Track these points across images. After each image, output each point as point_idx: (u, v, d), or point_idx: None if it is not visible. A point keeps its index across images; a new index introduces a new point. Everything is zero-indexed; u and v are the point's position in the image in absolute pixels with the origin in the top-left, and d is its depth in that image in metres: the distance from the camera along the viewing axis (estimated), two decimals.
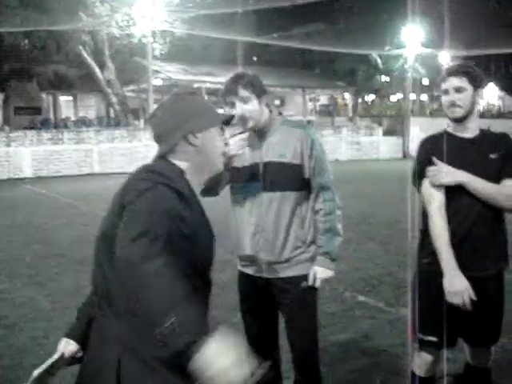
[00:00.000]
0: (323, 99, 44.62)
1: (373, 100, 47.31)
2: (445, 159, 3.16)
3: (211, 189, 3.27)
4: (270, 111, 3.44)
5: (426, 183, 3.22)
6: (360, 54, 36.03)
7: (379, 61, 37.74)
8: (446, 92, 3.18)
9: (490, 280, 3.25)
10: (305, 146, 3.34)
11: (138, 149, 26.70)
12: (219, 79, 34.11)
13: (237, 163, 3.37)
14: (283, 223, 3.32)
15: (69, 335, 2.29)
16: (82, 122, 32.59)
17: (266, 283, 3.41)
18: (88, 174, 24.87)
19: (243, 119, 3.31)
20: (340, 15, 41.24)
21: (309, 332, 3.45)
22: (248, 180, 3.36)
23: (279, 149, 3.32)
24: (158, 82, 32.22)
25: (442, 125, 3.37)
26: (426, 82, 41.66)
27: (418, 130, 35.68)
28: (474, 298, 3.06)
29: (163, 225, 1.85)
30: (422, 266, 3.30)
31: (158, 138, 2.21)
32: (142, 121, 31.38)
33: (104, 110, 36.76)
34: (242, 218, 3.45)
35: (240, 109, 3.29)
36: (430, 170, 3.17)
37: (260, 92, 3.34)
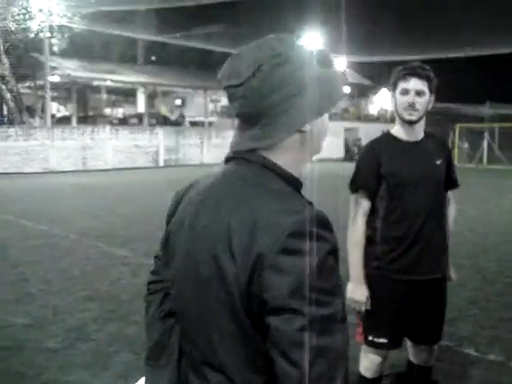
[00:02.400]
0: (224, 100, 44.67)
1: None
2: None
3: None
4: None
5: (359, 191, 3.26)
6: None
7: None
8: (406, 92, 3.12)
9: (437, 283, 3.36)
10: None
11: (33, 148, 25.68)
12: (119, 77, 33.50)
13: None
14: None
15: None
16: None
17: None
18: None
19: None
20: (242, 18, 41.46)
21: None
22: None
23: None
24: (55, 78, 31.11)
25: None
26: None
27: None
28: (369, 307, 3.21)
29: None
30: (370, 270, 3.31)
31: (250, 118, 1.39)
32: (37, 119, 30.20)
33: None
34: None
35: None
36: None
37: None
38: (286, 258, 1.22)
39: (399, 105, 3.17)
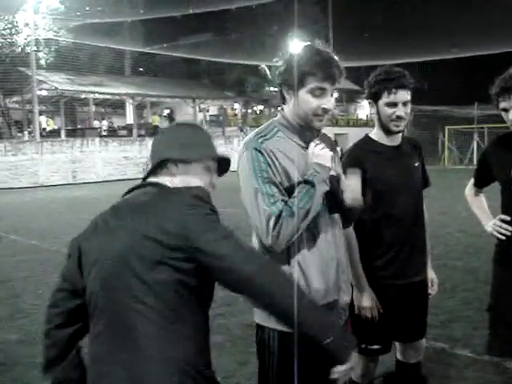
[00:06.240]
0: (213, 110, 44.65)
1: (261, 110, 47.96)
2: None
3: None
4: None
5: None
6: (249, 65, 36.55)
7: (268, 72, 38.39)
8: (394, 105, 3.07)
9: (421, 284, 3.38)
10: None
11: (23, 162, 25.62)
12: (107, 89, 33.47)
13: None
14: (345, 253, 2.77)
15: (66, 381, 2.10)
16: None
17: None
18: None
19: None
20: (229, 26, 41.60)
21: None
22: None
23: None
24: (43, 92, 31.08)
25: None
26: None
27: None
28: (381, 310, 3.14)
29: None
30: None
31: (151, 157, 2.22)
32: (26, 133, 30.12)
33: None
34: (320, 249, 2.57)
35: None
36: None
37: None
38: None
39: (386, 116, 3.11)
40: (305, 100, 2.46)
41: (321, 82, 2.43)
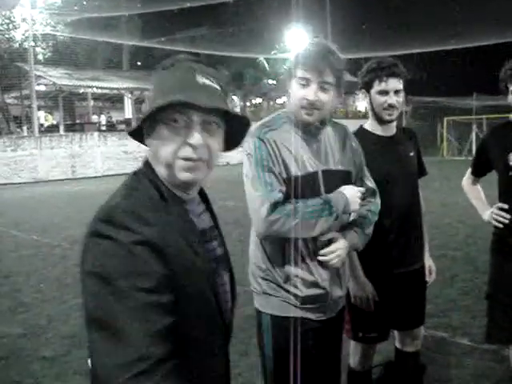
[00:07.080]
0: None
1: (259, 103, 47.86)
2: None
3: None
4: None
5: None
6: (247, 58, 36.47)
7: (266, 64, 38.36)
8: (385, 93, 3.12)
9: (418, 273, 3.43)
10: (354, 145, 2.84)
11: (22, 158, 25.59)
12: (105, 84, 33.41)
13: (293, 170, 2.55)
14: None
15: None
16: None
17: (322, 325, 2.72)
18: None
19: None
20: (226, 19, 41.49)
21: None
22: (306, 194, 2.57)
23: (334, 152, 2.68)
24: (41, 87, 31.04)
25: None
26: None
27: None
28: (377, 299, 3.16)
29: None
30: None
31: None
32: (25, 128, 30.10)
33: None
34: (302, 244, 2.58)
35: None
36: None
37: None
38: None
39: (378, 105, 3.17)
40: (293, 90, 2.55)
41: (304, 71, 2.50)
